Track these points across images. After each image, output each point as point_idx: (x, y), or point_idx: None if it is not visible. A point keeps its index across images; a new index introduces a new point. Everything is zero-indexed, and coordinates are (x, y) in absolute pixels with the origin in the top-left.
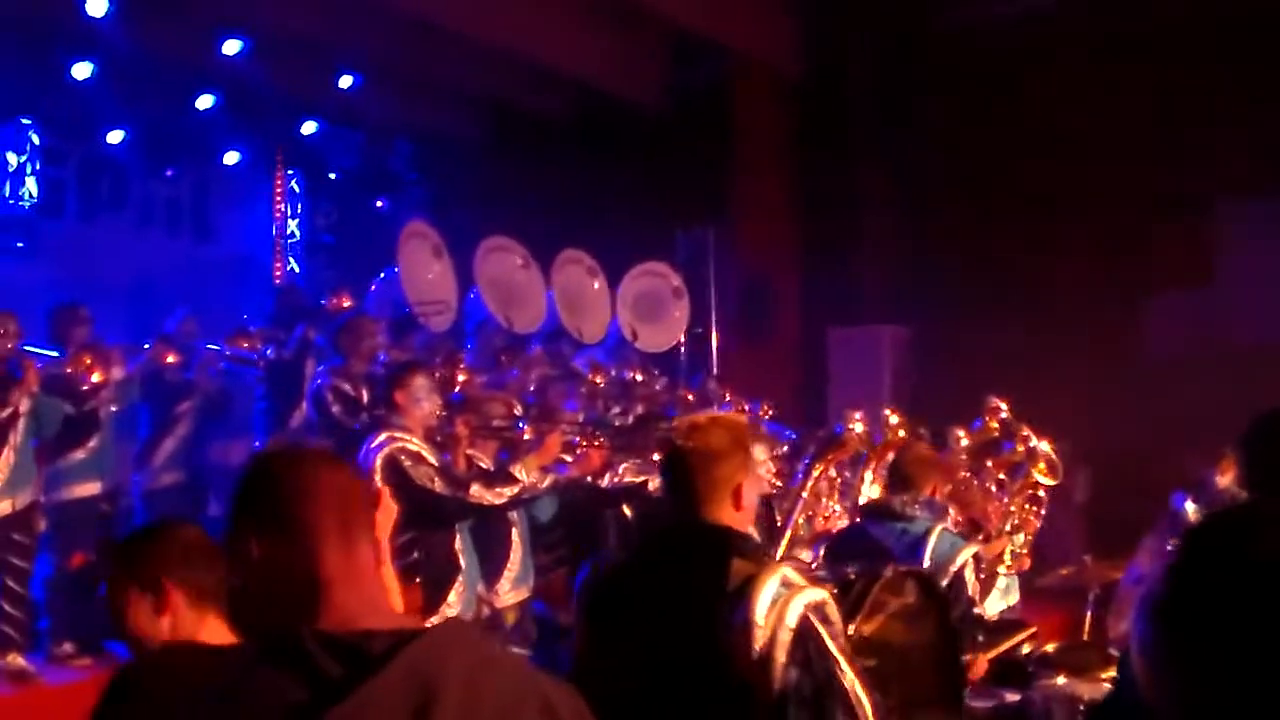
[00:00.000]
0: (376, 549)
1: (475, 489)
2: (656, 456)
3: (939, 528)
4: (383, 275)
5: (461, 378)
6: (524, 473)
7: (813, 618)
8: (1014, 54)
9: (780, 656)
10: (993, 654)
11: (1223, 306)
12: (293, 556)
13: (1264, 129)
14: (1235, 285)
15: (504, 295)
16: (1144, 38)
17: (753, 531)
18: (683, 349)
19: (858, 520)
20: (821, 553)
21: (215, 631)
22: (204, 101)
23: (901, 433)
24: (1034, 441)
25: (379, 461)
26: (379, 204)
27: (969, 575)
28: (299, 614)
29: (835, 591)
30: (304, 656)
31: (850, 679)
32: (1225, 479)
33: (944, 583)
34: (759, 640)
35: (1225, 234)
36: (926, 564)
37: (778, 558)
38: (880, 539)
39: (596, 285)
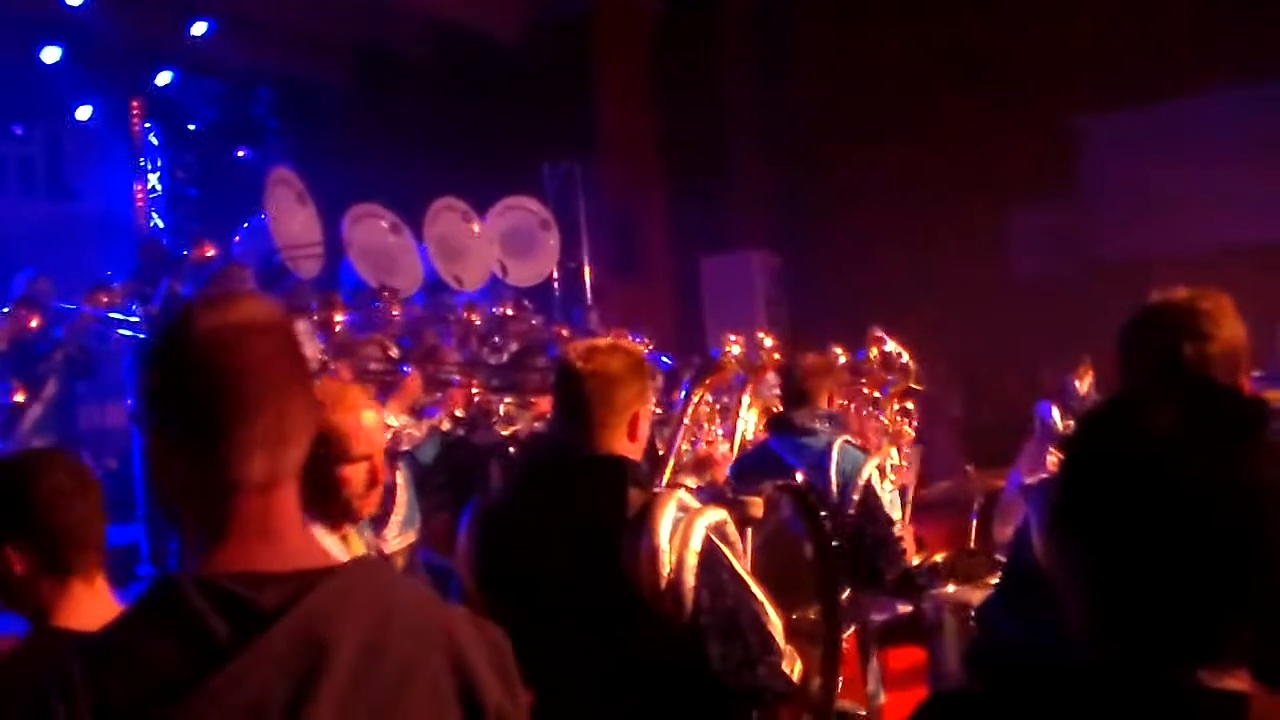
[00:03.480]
0: (301, 457)
1: None
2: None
3: (839, 440)
4: (246, 225)
5: (339, 318)
6: (392, 417)
7: (714, 538)
8: None
9: (689, 580)
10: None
11: (1084, 223)
12: (208, 470)
13: (1122, 45)
14: (1095, 201)
15: (377, 263)
16: None
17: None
18: (556, 284)
19: (763, 438)
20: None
21: (81, 598)
22: (50, 54)
23: (776, 355)
24: (885, 342)
25: None
26: (241, 154)
27: (878, 487)
28: (203, 546)
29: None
30: (186, 611)
31: (761, 598)
32: (1083, 384)
33: (855, 497)
34: (666, 565)
35: (1086, 151)
36: (833, 478)
37: (663, 484)
38: (783, 455)
39: (476, 229)
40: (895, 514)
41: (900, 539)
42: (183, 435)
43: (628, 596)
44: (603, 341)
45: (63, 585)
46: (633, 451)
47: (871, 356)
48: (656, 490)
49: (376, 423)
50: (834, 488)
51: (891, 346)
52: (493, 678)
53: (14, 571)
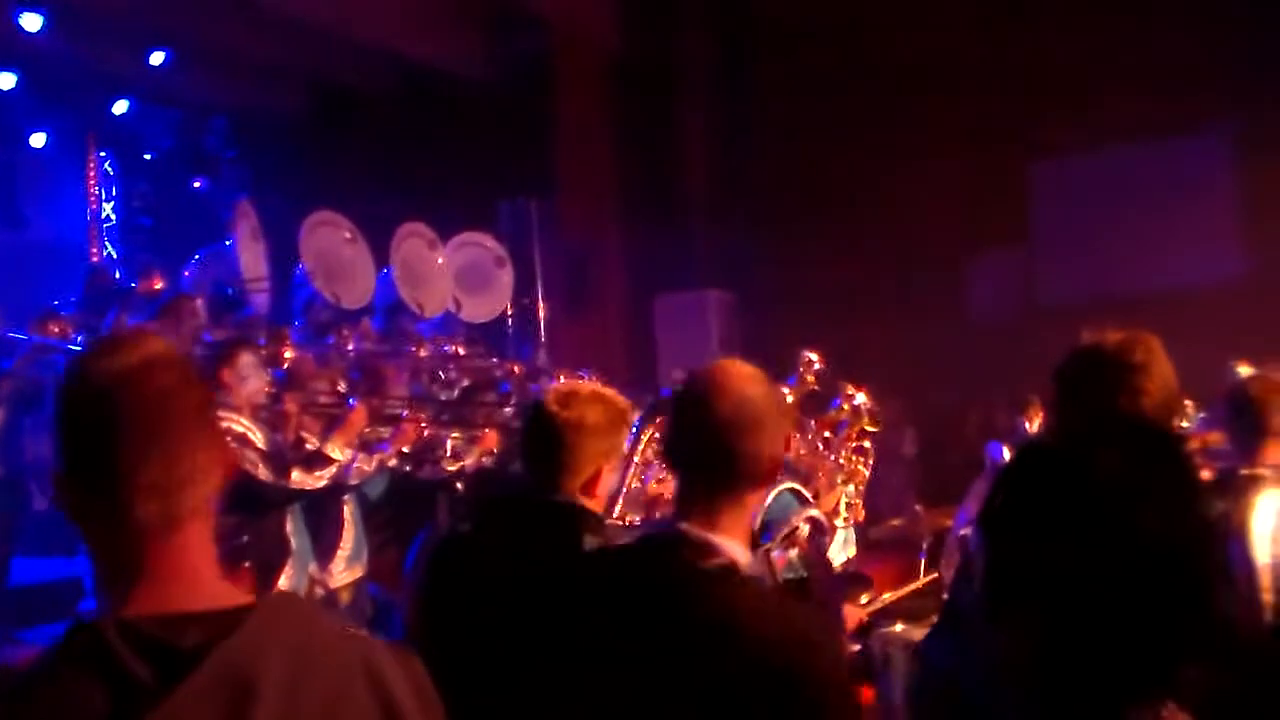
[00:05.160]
0: (216, 495)
1: (296, 474)
2: (487, 430)
3: (782, 486)
4: (198, 256)
5: (288, 354)
6: (335, 451)
7: None
8: (838, 23)
9: None
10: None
11: (1036, 267)
12: (112, 512)
13: (1074, 90)
14: (1044, 246)
15: (331, 271)
16: (964, 5)
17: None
18: (510, 320)
19: None
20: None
21: None
22: (5, 80)
23: None
24: (855, 396)
25: None
26: (197, 184)
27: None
28: (119, 589)
29: None
30: (107, 656)
31: None
32: (1033, 425)
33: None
34: None
35: (1037, 196)
36: (756, 521)
37: (612, 519)
38: None
39: (440, 260)
40: (848, 553)
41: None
42: (83, 478)
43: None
44: (585, 388)
45: None
46: (593, 505)
47: (806, 380)
48: (612, 537)
49: None
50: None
51: (860, 397)
52: (414, 703)
53: None
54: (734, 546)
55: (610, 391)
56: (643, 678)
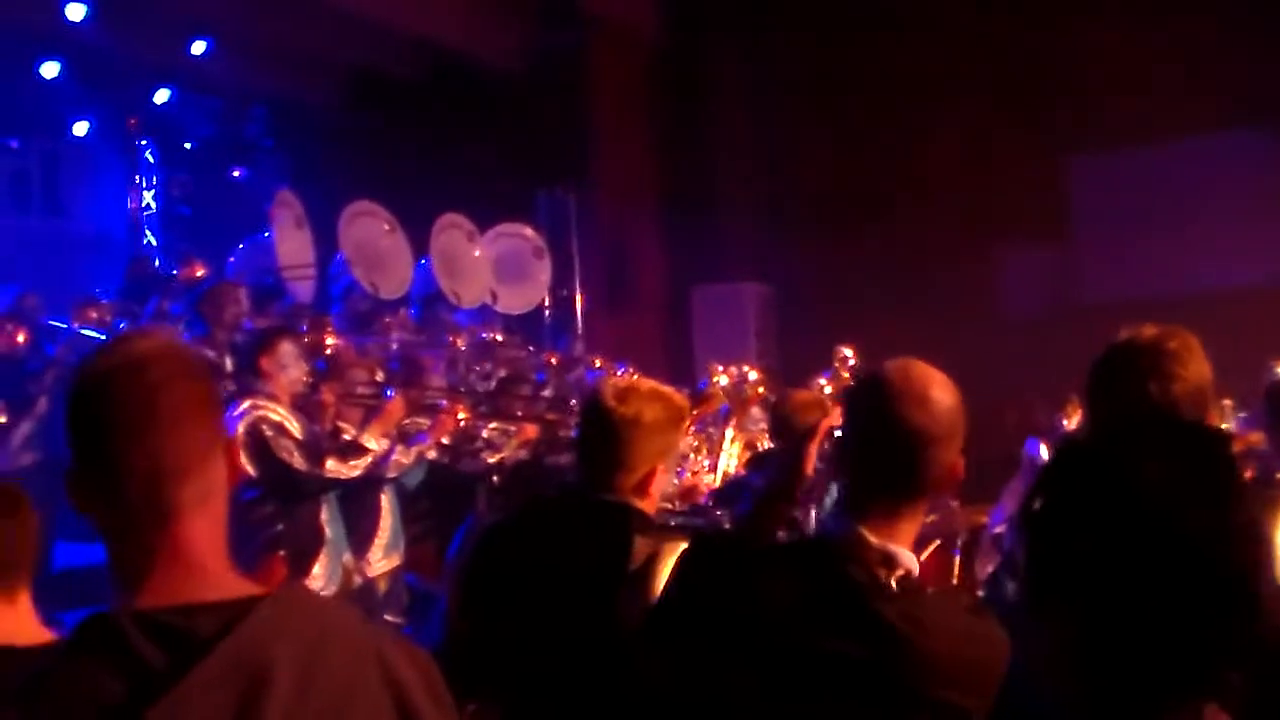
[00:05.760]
0: (223, 492)
1: (331, 464)
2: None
3: None
4: (242, 245)
5: (330, 341)
6: (372, 441)
7: None
8: (874, 10)
9: None
10: None
11: (1075, 262)
12: (114, 504)
13: (1116, 85)
14: (1083, 243)
15: (369, 260)
16: None
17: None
18: (547, 311)
19: (741, 471)
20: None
21: (19, 618)
22: (49, 69)
23: (761, 389)
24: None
25: (240, 429)
26: (236, 173)
27: None
28: (130, 581)
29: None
30: (121, 644)
31: None
32: (1072, 423)
33: None
34: None
35: (1076, 191)
36: None
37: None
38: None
39: (477, 253)
40: None
41: None
42: (86, 471)
43: (620, 649)
44: (644, 384)
45: None
46: (646, 505)
47: (842, 375)
48: (664, 538)
49: None
50: None
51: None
52: (425, 697)
53: None
54: (909, 557)
55: (669, 389)
56: (835, 686)
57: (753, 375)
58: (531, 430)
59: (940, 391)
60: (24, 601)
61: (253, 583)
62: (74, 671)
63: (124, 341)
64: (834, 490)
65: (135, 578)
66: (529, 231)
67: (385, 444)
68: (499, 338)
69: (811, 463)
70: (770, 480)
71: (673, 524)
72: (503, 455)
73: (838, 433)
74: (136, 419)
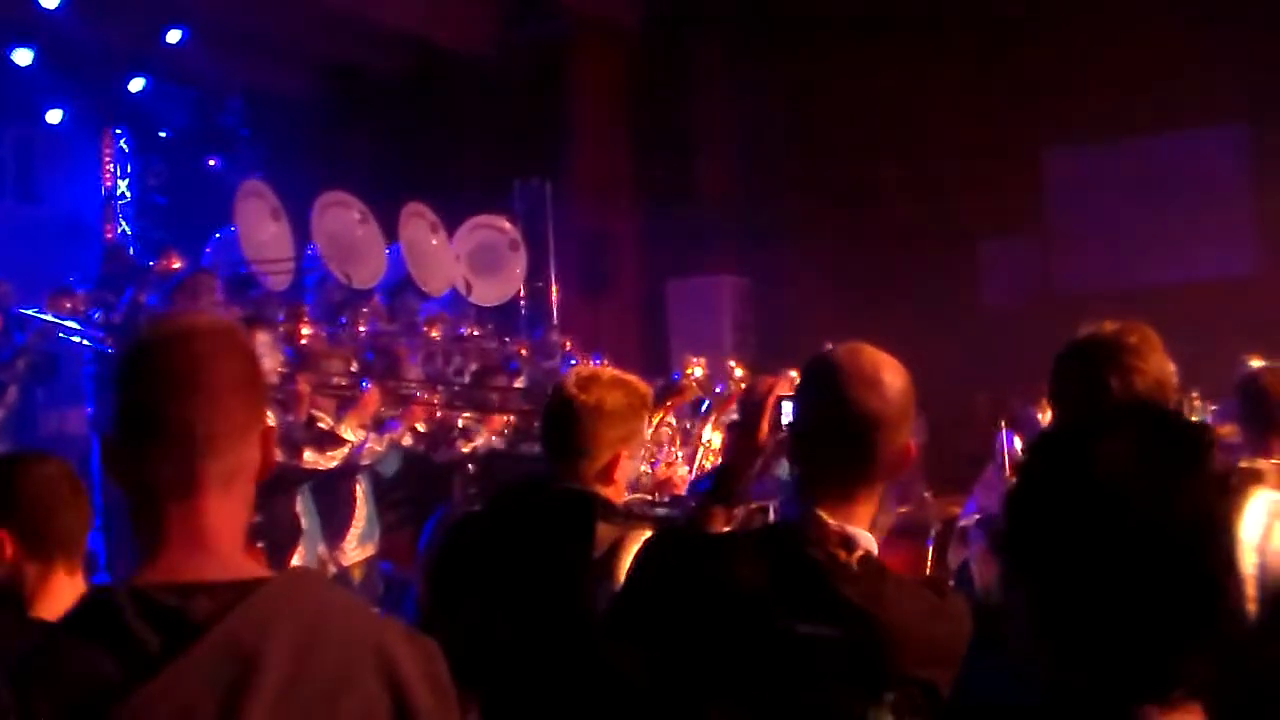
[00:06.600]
0: (251, 476)
1: (309, 454)
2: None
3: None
4: (218, 235)
5: (306, 331)
6: (348, 431)
7: None
8: (853, 7)
9: None
10: None
11: (1049, 257)
12: (143, 472)
13: (1092, 79)
14: (1060, 236)
15: (342, 251)
16: None
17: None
18: (523, 303)
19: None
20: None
21: (62, 588)
22: (22, 56)
23: (745, 385)
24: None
25: None
26: (211, 163)
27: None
28: (144, 553)
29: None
30: (117, 622)
31: None
32: (1045, 415)
33: None
34: None
35: (1053, 185)
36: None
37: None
38: None
39: (435, 241)
40: None
41: None
42: (125, 433)
43: (587, 636)
44: (607, 372)
45: (46, 574)
46: (611, 492)
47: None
48: (628, 525)
49: None
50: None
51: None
52: (425, 689)
53: (2, 554)
54: (868, 538)
55: (632, 377)
56: (809, 668)
57: (738, 372)
58: (498, 421)
59: (891, 374)
60: (80, 578)
61: (260, 566)
62: (69, 650)
63: (179, 314)
64: (786, 465)
65: (148, 550)
66: (505, 224)
67: (362, 435)
68: (474, 331)
69: (765, 432)
70: (727, 454)
71: (655, 514)
72: (476, 444)
73: (787, 404)
74: (178, 385)
